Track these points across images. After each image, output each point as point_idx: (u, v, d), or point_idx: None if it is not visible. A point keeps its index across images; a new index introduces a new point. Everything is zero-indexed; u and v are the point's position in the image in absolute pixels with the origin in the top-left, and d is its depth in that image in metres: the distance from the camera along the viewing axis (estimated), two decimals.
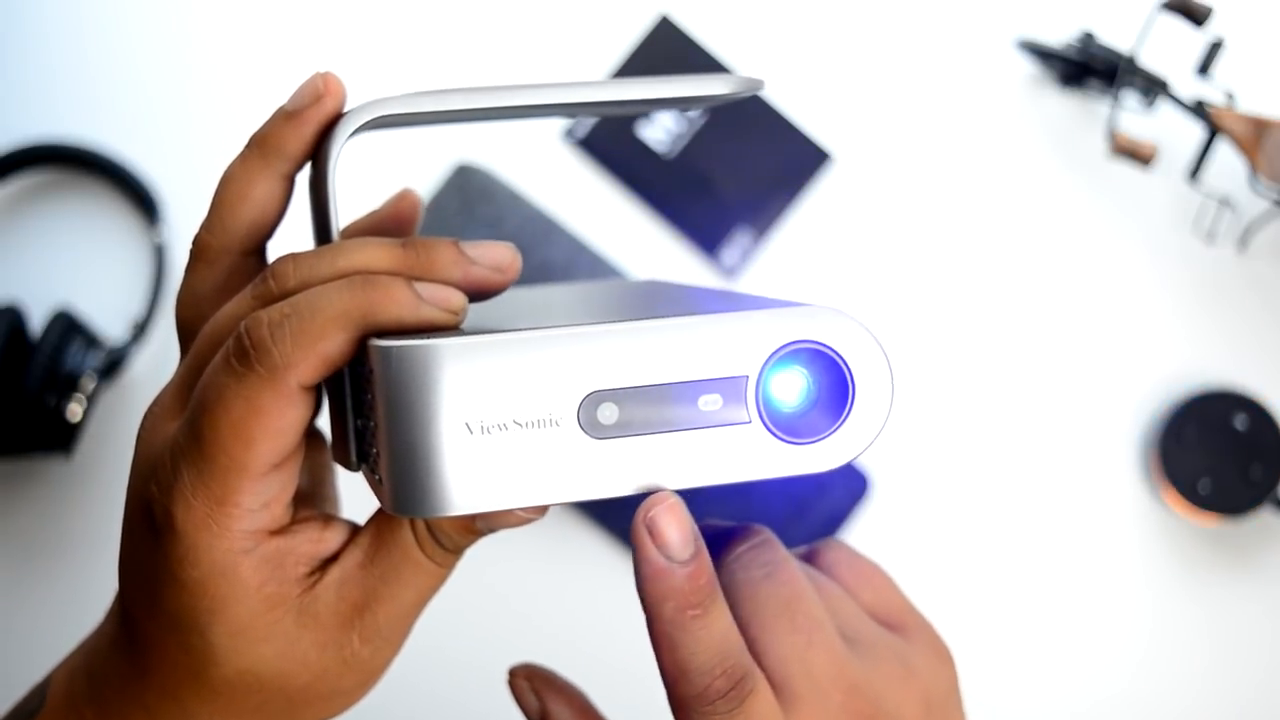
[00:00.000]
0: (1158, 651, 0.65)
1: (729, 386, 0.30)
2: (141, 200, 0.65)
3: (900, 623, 0.37)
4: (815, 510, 0.64)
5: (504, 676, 0.65)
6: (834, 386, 0.31)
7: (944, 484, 0.65)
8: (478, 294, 0.33)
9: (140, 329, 0.63)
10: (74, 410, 0.60)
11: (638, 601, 0.32)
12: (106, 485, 0.64)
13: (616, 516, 0.64)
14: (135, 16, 0.67)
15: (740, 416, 0.30)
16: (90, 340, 0.61)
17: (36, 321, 0.62)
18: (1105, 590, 0.65)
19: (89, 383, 0.60)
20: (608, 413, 0.29)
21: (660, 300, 0.39)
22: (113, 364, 0.62)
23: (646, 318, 0.30)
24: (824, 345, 0.30)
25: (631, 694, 0.65)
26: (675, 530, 0.30)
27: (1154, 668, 0.65)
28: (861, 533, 0.65)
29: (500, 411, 0.29)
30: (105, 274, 0.65)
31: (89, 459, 0.63)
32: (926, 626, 0.38)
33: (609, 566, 0.65)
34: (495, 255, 0.33)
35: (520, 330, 0.29)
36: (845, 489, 0.64)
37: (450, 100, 0.33)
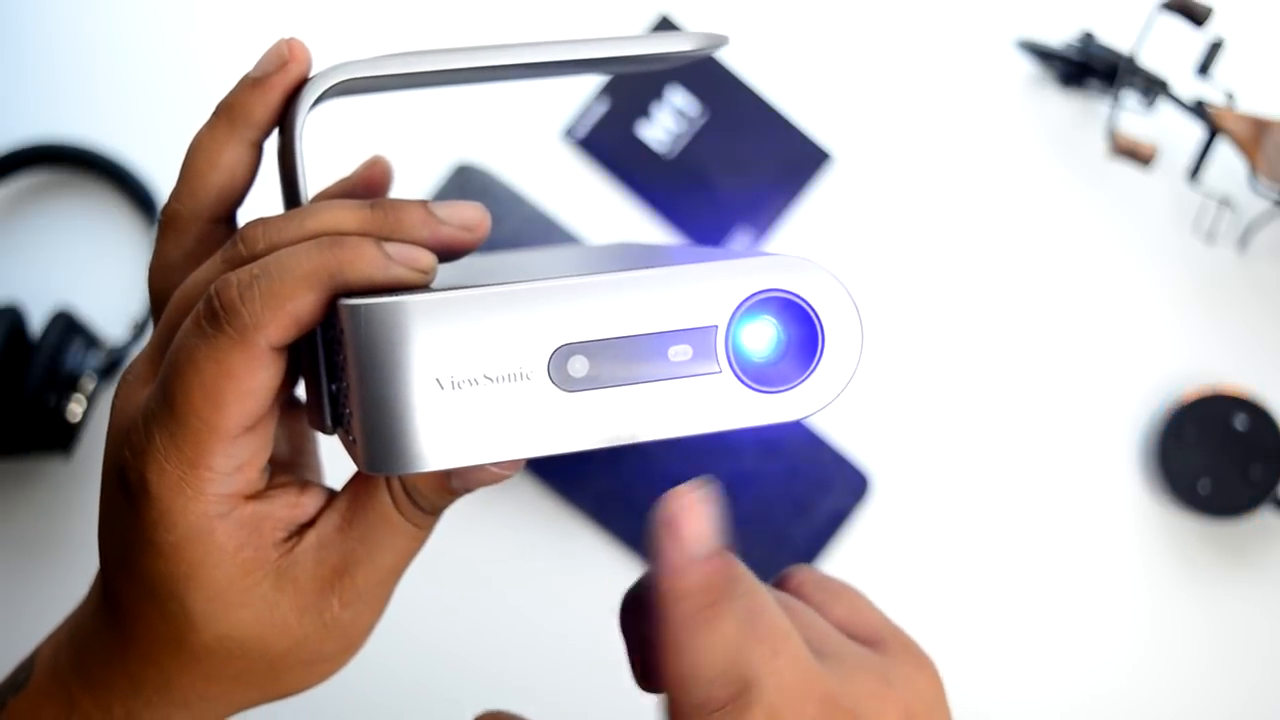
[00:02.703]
0: (1156, 650, 0.65)
1: (699, 337, 0.30)
2: (141, 200, 0.65)
3: (875, 638, 0.36)
4: (815, 510, 0.64)
5: (504, 676, 0.65)
6: (803, 335, 0.31)
7: (944, 484, 0.65)
8: (447, 254, 0.33)
9: (140, 329, 0.63)
10: (74, 410, 0.60)
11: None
12: None
13: (617, 517, 0.64)
14: (136, 16, 0.67)
15: (710, 367, 0.30)
16: (90, 340, 0.61)
17: (36, 321, 0.62)
18: (1105, 589, 0.65)
19: (89, 383, 0.60)
20: (578, 365, 0.29)
21: (629, 256, 0.39)
22: (113, 364, 0.62)
23: (615, 270, 0.30)
24: (793, 294, 0.30)
25: (630, 693, 0.65)
26: (699, 531, 0.30)
27: (1152, 666, 0.65)
28: (861, 533, 0.65)
29: (470, 366, 0.29)
30: (105, 274, 0.65)
31: (89, 459, 0.63)
32: (904, 640, 0.37)
33: (609, 567, 0.65)
34: (464, 214, 0.33)
35: (489, 285, 0.29)
36: (845, 489, 0.64)
37: (414, 62, 0.33)
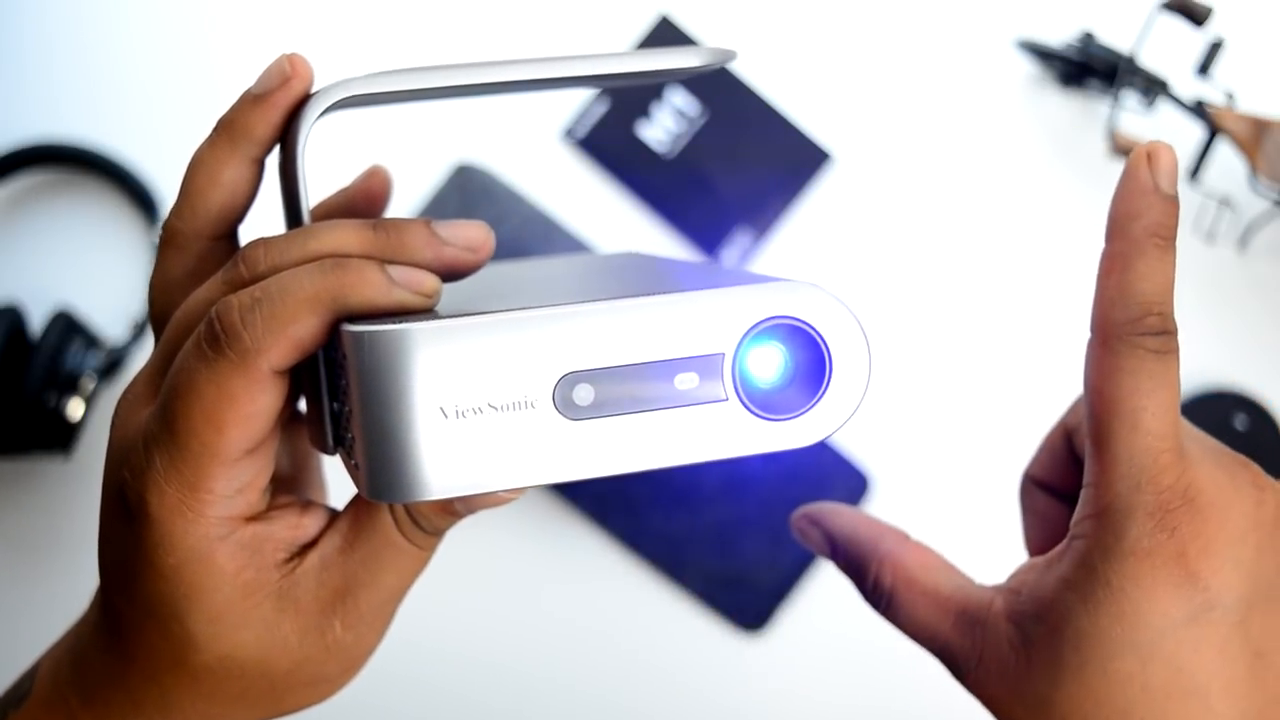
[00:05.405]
0: None
1: (705, 364, 0.30)
2: (141, 200, 0.65)
3: None
4: None
5: (503, 674, 0.65)
6: (811, 362, 0.30)
7: (944, 484, 0.65)
8: (451, 274, 0.32)
9: (140, 329, 0.63)
10: (74, 410, 0.60)
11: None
12: None
13: (617, 518, 0.64)
14: (136, 16, 0.67)
15: (717, 394, 0.30)
16: (90, 340, 0.61)
17: (36, 321, 0.62)
18: None
19: (89, 383, 0.60)
20: (583, 393, 0.29)
21: (636, 276, 0.39)
22: (113, 364, 0.62)
23: (621, 297, 0.29)
24: (800, 321, 0.30)
25: (629, 690, 0.66)
26: (1172, 168, 0.32)
27: None
28: None
29: (475, 395, 0.28)
30: (105, 274, 0.65)
31: (89, 459, 0.63)
32: None
33: (609, 568, 0.65)
34: (468, 235, 0.32)
35: (494, 312, 0.29)
36: (845, 489, 0.64)
37: (417, 79, 0.33)
